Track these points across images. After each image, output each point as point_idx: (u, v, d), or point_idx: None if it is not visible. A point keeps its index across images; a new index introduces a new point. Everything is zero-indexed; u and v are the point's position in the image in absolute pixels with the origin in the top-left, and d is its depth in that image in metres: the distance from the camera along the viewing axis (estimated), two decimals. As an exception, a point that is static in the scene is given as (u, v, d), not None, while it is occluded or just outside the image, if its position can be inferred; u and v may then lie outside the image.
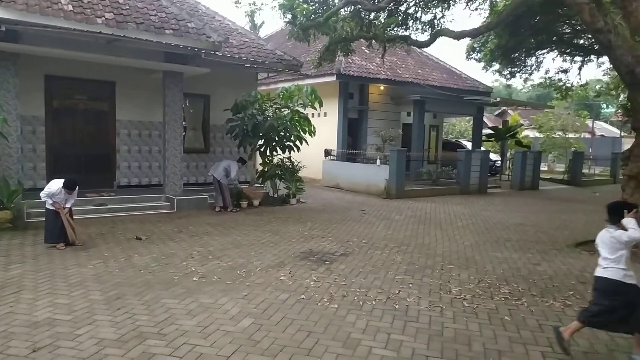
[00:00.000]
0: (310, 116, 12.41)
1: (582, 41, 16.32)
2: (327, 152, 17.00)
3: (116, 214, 9.66)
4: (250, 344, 4.02)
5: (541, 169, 20.86)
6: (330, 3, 11.39)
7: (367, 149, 17.04)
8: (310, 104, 11.72)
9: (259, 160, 12.52)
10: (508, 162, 20.82)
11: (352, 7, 11.62)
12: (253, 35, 14.17)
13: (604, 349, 4.16)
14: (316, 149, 14.78)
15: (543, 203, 14.72)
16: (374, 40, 11.82)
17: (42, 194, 6.97)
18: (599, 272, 3.98)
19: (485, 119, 28.80)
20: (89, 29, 8.50)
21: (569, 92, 19.04)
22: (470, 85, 21.16)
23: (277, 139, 11.68)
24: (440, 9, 13.08)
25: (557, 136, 29.36)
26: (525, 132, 29.98)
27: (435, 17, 13.17)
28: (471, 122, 25.33)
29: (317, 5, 11.36)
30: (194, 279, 5.75)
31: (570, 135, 30.05)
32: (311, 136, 12.11)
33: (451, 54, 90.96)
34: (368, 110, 18.29)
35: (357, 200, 13.54)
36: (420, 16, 13.10)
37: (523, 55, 16.99)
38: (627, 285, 3.81)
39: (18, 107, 8.95)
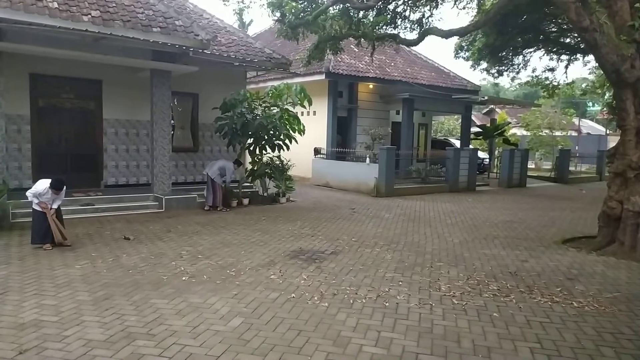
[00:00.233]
0: (299, 115, 12.40)
1: (568, 40, 16.54)
2: (317, 151, 17.00)
3: (104, 214, 9.57)
4: (241, 344, 4.01)
5: (528, 166, 21.08)
6: (319, 1, 11.38)
7: (357, 148, 17.06)
8: (299, 102, 11.71)
9: (249, 159, 12.48)
10: (496, 160, 20.99)
11: (341, 5, 11.62)
12: (242, 33, 14.10)
13: (591, 345, 4.21)
14: (306, 147, 14.76)
15: (531, 200, 14.87)
16: (362, 39, 11.84)
17: (28, 193, 6.88)
18: None
19: (473, 117, 29.04)
20: (74, 26, 8.39)
21: (556, 91, 19.31)
22: (458, 83, 21.29)
23: (266, 137, 11.65)
24: (428, 7, 13.17)
25: (544, 134, 29.70)
26: (513, 130, 30.24)
27: (423, 15, 13.26)
28: (459, 121, 25.55)
29: (306, 3, 11.34)
30: (184, 278, 5.71)
31: (557, 133, 30.41)
32: (301, 135, 12.10)
33: (439, 53, 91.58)
34: (357, 109, 18.31)
35: (346, 198, 13.56)
36: (409, 15, 13.18)
37: (510, 53, 17.18)
38: None
39: (2, 106, 8.82)
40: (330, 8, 11.57)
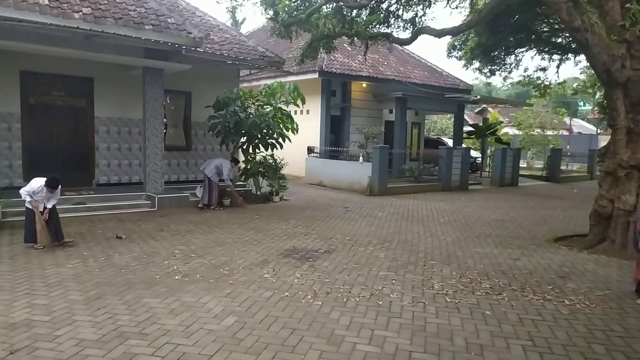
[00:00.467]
0: (292, 113, 12.38)
1: (560, 40, 16.66)
2: (310, 150, 16.99)
3: (95, 213, 9.49)
4: (234, 343, 3.99)
5: (520, 165, 21.21)
6: (312, 0, 11.37)
7: (350, 146, 17.08)
8: (292, 101, 11.69)
9: (242, 157, 12.44)
10: (488, 159, 21.09)
11: (334, 4, 11.63)
12: (234, 31, 14.05)
13: (583, 342, 4.24)
14: (299, 146, 14.75)
15: (522, 199, 14.96)
16: (356, 38, 11.86)
17: (22, 191, 6.80)
18: None
19: (466, 117, 29.16)
20: (65, 23, 8.31)
21: (547, 90, 19.43)
22: (451, 83, 21.37)
23: (259, 136, 11.62)
24: (421, 7, 13.20)
25: (536, 133, 29.88)
26: (505, 130, 30.41)
27: (416, 15, 13.29)
28: (452, 120, 25.63)
29: (299, 2, 11.34)
30: (176, 277, 5.68)
31: (549, 132, 30.61)
32: (294, 133, 12.08)
33: (432, 52, 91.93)
34: (350, 108, 18.32)
35: (340, 197, 13.56)
36: (402, 14, 13.20)
37: (503, 53, 17.28)
38: None
39: (-8, 104, 8.74)
40: (324, 6, 11.57)
